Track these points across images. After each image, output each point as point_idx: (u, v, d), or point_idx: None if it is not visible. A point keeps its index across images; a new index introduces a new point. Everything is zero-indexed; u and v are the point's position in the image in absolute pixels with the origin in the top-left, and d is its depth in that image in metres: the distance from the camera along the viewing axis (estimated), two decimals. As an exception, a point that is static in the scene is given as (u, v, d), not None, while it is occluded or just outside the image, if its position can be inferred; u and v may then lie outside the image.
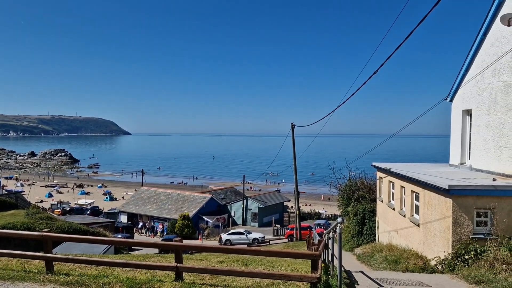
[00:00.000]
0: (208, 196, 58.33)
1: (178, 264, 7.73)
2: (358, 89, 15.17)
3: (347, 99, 17.32)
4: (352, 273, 10.22)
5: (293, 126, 36.48)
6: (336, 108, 19.40)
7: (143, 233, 54.31)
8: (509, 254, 9.62)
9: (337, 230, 6.29)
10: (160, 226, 53.97)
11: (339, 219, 6.65)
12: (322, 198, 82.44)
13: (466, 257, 11.60)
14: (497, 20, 15.17)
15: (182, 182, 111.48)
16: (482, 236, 12.43)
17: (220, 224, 55.03)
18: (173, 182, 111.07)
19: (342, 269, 12.17)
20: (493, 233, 12.39)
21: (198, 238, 49.01)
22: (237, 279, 8.39)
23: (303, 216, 57.59)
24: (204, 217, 54.13)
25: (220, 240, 44.16)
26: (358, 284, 7.96)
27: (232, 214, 59.61)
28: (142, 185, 71.52)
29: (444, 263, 12.36)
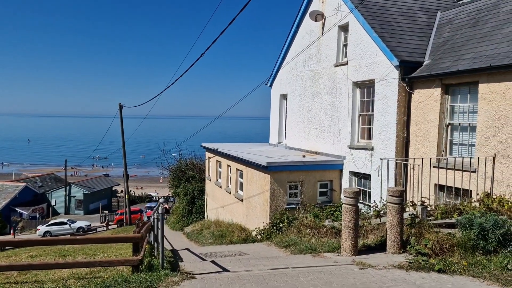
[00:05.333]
0: (22, 184, 51.16)
1: (-27, 265, 6.54)
2: (186, 71, 15.29)
3: (175, 81, 17.32)
4: (178, 251, 10.38)
5: (121, 106, 34.71)
6: (163, 90, 19.22)
7: None
8: (312, 220, 11.19)
9: (159, 211, 6.25)
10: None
11: (161, 200, 6.63)
12: (161, 180, 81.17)
13: (281, 225, 13.03)
14: (307, 15, 17.14)
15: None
16: (293, 206, 14.14)
17: (38, 215, 49.13)
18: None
19: (170, 248, 12.26)
20: (301, 202, 14.23)
21: (10, 233, 42.76)
22: (51, 273, 7.59)
23: (134, 200, 55.90)
24: (17, 209, 47.42)
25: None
26: (182, 261, 8.10)
27: (53, 203, 53.80)
28: None
29: (262, 233, 13.64)
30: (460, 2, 15.15)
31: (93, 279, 6.22)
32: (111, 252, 10.00)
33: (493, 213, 7.99)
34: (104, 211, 51.43)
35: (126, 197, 39.03)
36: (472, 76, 10.54)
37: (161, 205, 6.30)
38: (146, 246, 7.30)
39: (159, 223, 6.39)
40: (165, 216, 39.36)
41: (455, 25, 13.15)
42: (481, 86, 10.29)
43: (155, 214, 7.19)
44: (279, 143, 20.85)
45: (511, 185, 9.47)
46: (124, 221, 40.74)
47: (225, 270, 6.58)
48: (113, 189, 62.18)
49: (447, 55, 11.97)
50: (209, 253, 9.55)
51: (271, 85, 21.59)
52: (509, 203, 9.33)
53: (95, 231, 41.33)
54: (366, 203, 13.68)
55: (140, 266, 6.32)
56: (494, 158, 9.88)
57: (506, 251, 6.23)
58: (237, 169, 17.73)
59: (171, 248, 11.81)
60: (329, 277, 5.90)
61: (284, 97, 20.50)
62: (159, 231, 6.37)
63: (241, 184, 17.37)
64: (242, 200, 16.98)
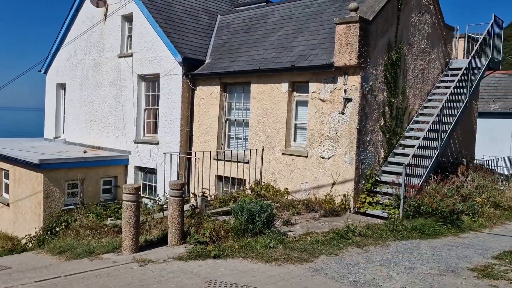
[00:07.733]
0: None
1: None
2: None
3: None
4: None
5: None
6: None
7: None
8: (93, 219, 10.40)
9: None
10: None
11: None
12: None
13: (57, 229, 11.67)
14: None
15: None
16: (73, 207, 12.86)
17: None
18: None
19: None
20: (82, 202, 13.14)
21: None
22: None
23: None
24: None
25: None
26: None
27: None
28: None
29: (34, 240, 11.94)
30: (236, 8, 16.64)
31: None
32: None
33: (260, 199, 9.06)
34: None
35: None
36: (246, 77, 11.70)
37: None
38: None
39: None
40: None
41: (232, 29, 14.37)
42: (253, 86, 11.53)
43: None
44: (56, 137, 18.69)
45: (276, 173, 10.96)
46: None
47: (-26, 292, 5.39)
48: None
49: (225, 56, 12.96)
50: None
51: (46, 72, 19.10)
52: (274, 189, 10.79)
53: None
54: (152, 197, 13.63)
55: None
56: (262, 150, 11.24)
57: (269, 231, 7.12)
58: (1, 169, 15.05)
59: None
60: (106, 279, 5.53)
61: (62, 86, 18.45)
62: None
63: (7, 186, 14.84)
64: (8, 205, 14.50)
